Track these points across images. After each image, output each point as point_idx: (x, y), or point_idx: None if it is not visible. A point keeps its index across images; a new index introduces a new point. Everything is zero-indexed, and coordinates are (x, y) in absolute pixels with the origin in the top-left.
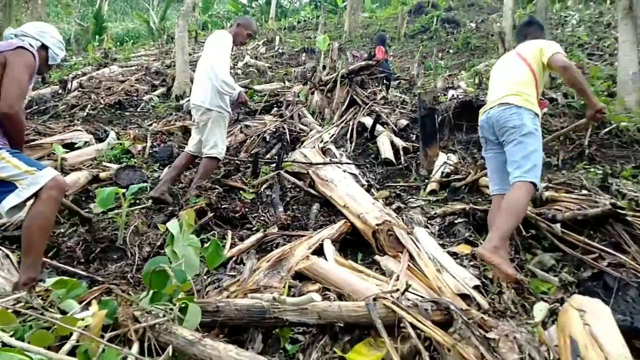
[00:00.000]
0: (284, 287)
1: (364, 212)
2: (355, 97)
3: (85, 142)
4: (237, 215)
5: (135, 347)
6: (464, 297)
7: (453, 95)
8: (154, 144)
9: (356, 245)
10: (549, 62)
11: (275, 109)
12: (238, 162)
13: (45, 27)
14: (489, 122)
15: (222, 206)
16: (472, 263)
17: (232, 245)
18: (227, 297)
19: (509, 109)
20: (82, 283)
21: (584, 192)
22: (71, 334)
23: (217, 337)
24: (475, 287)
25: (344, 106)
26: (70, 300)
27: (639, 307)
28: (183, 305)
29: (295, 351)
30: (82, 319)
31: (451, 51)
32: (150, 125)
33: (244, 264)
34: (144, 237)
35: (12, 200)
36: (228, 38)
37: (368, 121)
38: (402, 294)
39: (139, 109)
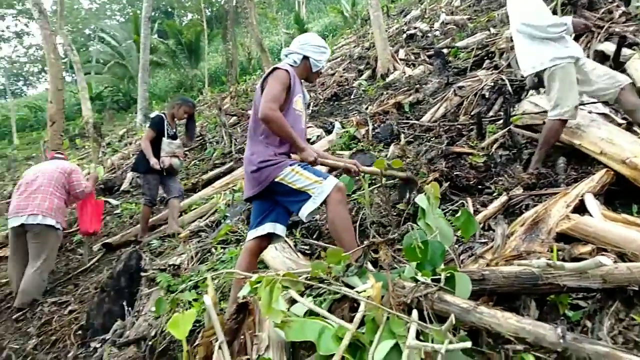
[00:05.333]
0: (547, 251)
1: (631, 155)
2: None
3: (317, 135)
4: (471, 182)
5: (415, 314)
6: None
7: None
8: (375, 125)
9: (626, 196)
10: None
11: (487, 61)
12: (459, 126)
13: (304, 38)
14: None
15: (455, 174)
16: None
17: (475, 212)
18: (487, 265)
19: None
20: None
21: None
22: (358, 304)
23: (487, 305)
24: None
25: (572, 37)
26: (353, 277)
27: None
28: (448, 275)
29: (580, 318)
30: (364, 291)
31: None
32: (367, 108)
33: (492, 231)
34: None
35: (309, 207)
36: None
37: (608, 47)
38: None
39: (352, 96)
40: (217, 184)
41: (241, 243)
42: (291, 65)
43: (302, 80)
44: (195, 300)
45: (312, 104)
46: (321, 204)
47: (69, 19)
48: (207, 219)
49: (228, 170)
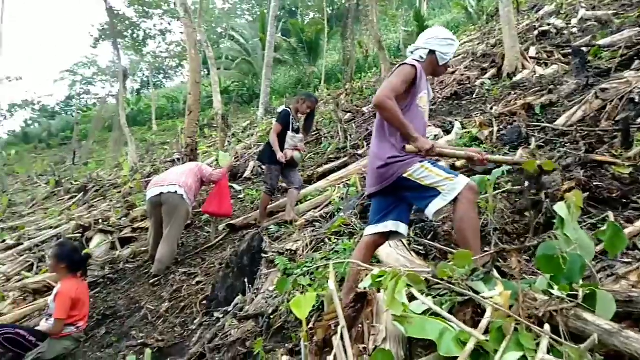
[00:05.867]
0: None
1: None
2: None
3: (435, 135)
4: (614, 194)
5: (547, 329)
6: None
7: None
8: (500, 127)
9: None
10: None
11: (638, 61)
12: (600, 132)
13: (429, 33)
14: None
15: (595, 185)
16: None
17: None
18: (632, 287)
19: None
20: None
21: None
22: (484, 311)
23: (633, 329)
24: None
25: None
26: (478, 282)
27: None
28: (588, 292)
29: None
30: (491, 297)
31: None
32: (491, 108)
33: (638, 250)
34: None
35: (438, 204)
36: None
37: None
38: None
39: (474, 96)
40: (332, 177)
41: (355, 236)
42: (418, 61)
43: (430, 75)
44: (309, 285)
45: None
46: (450, 203)
47: (204, 17)
48: (321, 210)
49: (342, 165)
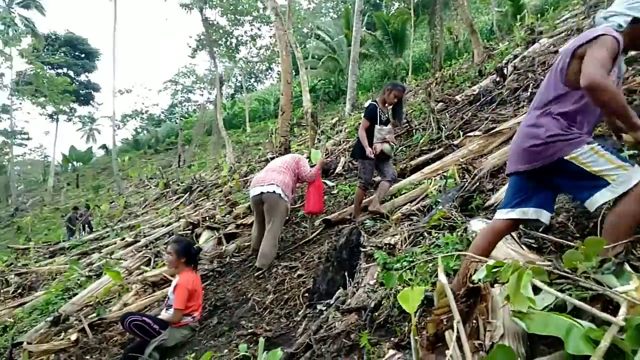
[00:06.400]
0: None
1: None
2: None
3: None
4: None
5: None
6: None
7: None
8: None
9: None
10: None
11: None
12: None
13: None
14: None
15: None
16: None
17: None
18: None
19: None
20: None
21: None
22: (616, 308)
23: None
24: None
25: None
26: (609, 276)
27: None
28: None
29: None
30: (626, 292)
31: None
32: None
33: None
34: None
35: (605, 195)
36: None
37: None
38: None
39: None
40: (426, 170)
41: (457, 230)
42: (616, 30)
43: (629, 50)
44: (410, 280)
45: (532, 85)
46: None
47: (291, 19)
48: (417, 203)
49: (437, 156)
